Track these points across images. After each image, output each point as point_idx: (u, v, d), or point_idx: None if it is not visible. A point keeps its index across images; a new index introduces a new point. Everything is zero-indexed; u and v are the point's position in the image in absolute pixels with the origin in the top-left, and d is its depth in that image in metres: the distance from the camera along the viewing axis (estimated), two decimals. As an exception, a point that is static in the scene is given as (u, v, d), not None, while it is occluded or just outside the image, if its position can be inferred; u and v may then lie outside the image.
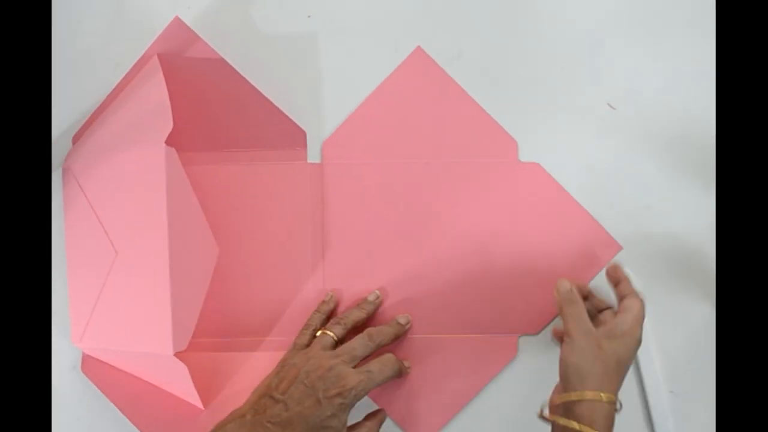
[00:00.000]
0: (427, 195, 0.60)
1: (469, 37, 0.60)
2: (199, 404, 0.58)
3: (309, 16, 0.60)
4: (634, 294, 0.55)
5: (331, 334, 0.56)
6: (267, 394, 0.53)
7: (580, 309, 0.54)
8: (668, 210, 0.60)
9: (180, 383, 0.56)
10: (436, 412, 0.60)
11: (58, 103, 0.59)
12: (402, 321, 0.59)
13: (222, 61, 0.58)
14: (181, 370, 0.54)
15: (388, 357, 0.56)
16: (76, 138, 0.60)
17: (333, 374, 0.52)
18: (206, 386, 0.58)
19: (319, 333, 0.57)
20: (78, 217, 0.57)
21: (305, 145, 0.60)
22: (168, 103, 0.53)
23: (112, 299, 0.55)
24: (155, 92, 0.55)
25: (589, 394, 0.50)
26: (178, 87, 0.57)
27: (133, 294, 0.54)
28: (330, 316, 0.59)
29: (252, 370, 0.59)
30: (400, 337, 0.59)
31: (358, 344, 0.55)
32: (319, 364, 0.53)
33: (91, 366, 0.60)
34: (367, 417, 0.57)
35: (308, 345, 0.57)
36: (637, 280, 0.58)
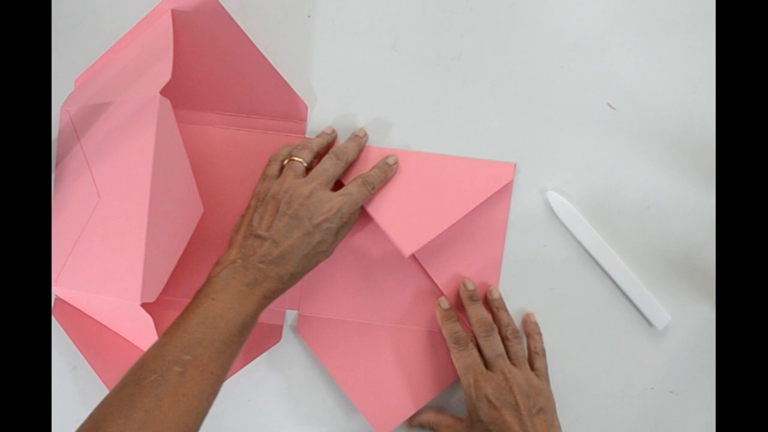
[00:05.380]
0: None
1: (469, 37, 0.60)
2: None
3: (309, 17, 0.60)
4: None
5: (300, 159, 0.55)
6: (251, 234, 0.52)
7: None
8: (668, 210, 0.60)
9: (144, 335, 0.56)
10: (400, 403, 0.59)
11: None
12: (359, 133, 0.59)
13: (234, 25, 0.58)
14: (147, 321, 0.53)
15: (364, 177, 0.56)
16: (79, 81, 0.60)
17: (314, 200, 0.52)
18: None
19: (288, 162, 0.55)
20: (68, 159, 0.57)
21: (305, 119, 0.60)
22: (171, 59, 0.53)
23: (90, 243, 0.55)
24: (162, 49, 0.55)
25: None
26: (188, 45, 0.57)
27: (111, 240, 0.54)
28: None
29: None
30: (362, 149, 0.58)
31: (329, 165, 0.55)
32: (298, 192, 0.52)
33: (62, 310, 0.59)
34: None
35: (278, 176, 0.56)
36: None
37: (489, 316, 0.57)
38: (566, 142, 0.60)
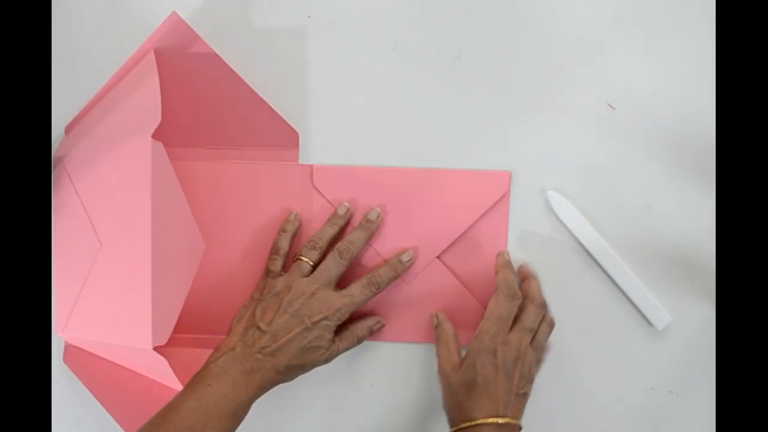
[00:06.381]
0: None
1: (469, 37, 0.60)
2: None
3: (309, 17, 0.60)
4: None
5: (307, 260, 0.57)
6: (253, 326, 0.55)
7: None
8: (668, 210, 0.60)
9: (161, 374, 0.57)
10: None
11: (56, 95, 0.59)
12: (372, 216, 0.59)
13: (218, 59, 0.58)
14: (161, 363, 0.54)
15: (370, 277, 0.57)
16: (69, 128, 0.60)
17: (316, 300, 0.55)
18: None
19: (295, 260, 0.58)
20: (66, 207, 0.57)
21: (297, 146, 0.60)
22: (159, 100, 0.53)
23: (95, 291, 0.55)
24: (149, 89, 0.55)
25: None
26: (173, 83, 0.57)
27: (116, 287, 0.54)
28: (295, 235, 0.59)
29: None
30: (372, 235, 0.59)
31: (332, 265, 0.57)
32: (301, 291, 0.55)
33: (72, 357, 0.59)
34: (354, 320, 0.58)
35: (281, 271, 0.58)
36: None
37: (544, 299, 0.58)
38: (566, 142, 0.60)
